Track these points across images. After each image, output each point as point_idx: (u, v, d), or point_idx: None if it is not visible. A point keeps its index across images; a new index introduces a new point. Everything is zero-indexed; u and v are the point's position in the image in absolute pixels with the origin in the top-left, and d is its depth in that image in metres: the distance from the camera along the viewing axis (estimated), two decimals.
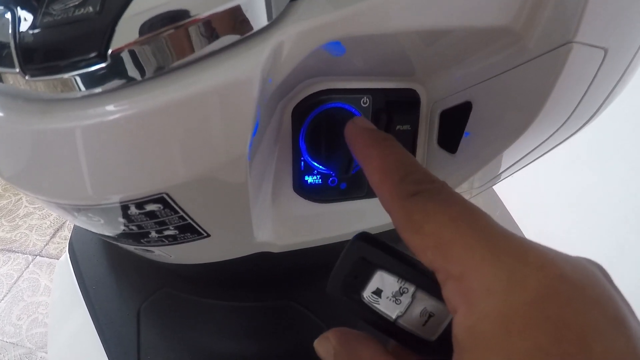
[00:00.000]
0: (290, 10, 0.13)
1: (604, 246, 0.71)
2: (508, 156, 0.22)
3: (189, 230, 0.18)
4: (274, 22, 0.13)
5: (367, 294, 0.15)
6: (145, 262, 0.26)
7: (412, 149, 0.22)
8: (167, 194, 0.15)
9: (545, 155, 0.26)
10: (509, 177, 0.27)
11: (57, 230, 1.21)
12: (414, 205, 0.13)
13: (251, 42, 0.13)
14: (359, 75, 0.19)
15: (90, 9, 0.12)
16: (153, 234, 0.18)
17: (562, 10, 0.15)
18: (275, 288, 0.29)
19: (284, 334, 0.29)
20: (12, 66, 0.13)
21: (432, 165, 0.23)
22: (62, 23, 0.12)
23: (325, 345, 0.15)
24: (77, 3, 0.12)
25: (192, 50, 0.12)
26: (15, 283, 1.06)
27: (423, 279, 0.14)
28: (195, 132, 0.14)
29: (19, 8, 0.13)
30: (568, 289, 0.10)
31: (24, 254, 1.14)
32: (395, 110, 0.21)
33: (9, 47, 0.13)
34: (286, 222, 0.22)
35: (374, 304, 0.15)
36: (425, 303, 0.14)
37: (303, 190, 0.22)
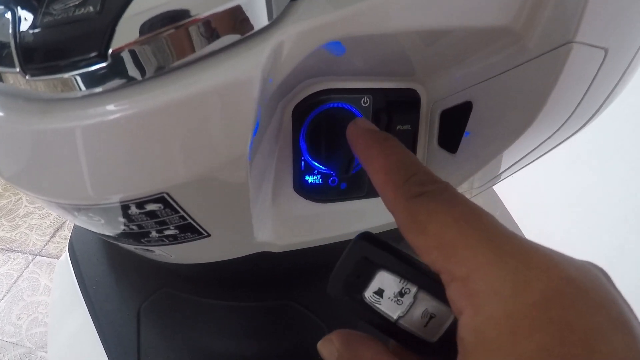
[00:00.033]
0: (291, 10, 0.13)
1: (604, 246, 0.71)
2: (508, 156, 0.22)
3: (190, 230, 0.18)
4: (275, 21, 0.13)
5: (368, 294, 0.15)
6: (146, 262, 0.26)
7: (413, 149, 0.22)
8: (168, 194, 0.15)
9: (545, 155, 0.26)
10: (509, 177, 0.27)
11: (57, 229, 1.21)
12: (418, 206, 0.13)
13: (251, 42, 0.13)
14: (359, 75, 0.19)
15: (91, 8, 0.12)
16: (153, 234, 0.18)
17: (562, 10, 0.15)
18: (275, 288, 0.29)
19: (284, 334, 0.29)
20: (13, 66, 0.13)
21: (433, 165, 0.23)
22: (63, 23, 0.12)
23: (328, 347, 0.15)
24: (77, 3, 0.12)
25: (193, 50, 0.12)
26: (15, 283, 1.06)
27: (425, 279, 0.14)
28: (196, 132, 0.14)
29: (19, 8, 0.13)
30: (572, 291, 0.10)
31: (23, 253, 1.14)
32: (396, 110, 0.21)
33: (9, 46, 0.13)
34: (286, 222, 0.22)
35: (375, 304, 0.15)
36: (427, 304, 0.14)
37: (303, 190, 0.22)
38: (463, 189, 0.23)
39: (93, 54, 0.12)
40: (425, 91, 0.21)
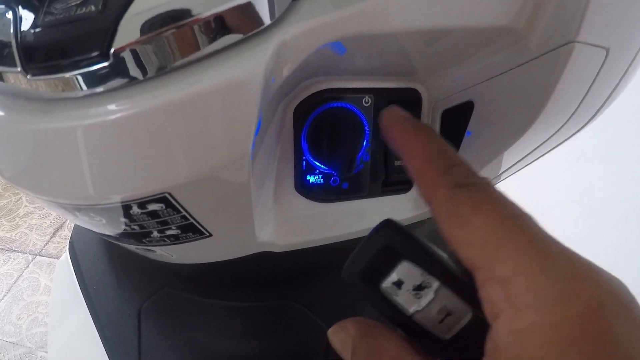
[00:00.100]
0: (293, 10, 0.13)
1: (605, 246, 0.71)
2: (509, 155, 0.22)
3: (191, 230, 0.18)
4: (277, 21, 0.13)
5: (386, 284, 0.14)
6: (146, 261, 0.26)
7: None
8: (170, 194, 0.15)
9: (546, 155, 0.26)
10: (509, 177, 0.27)
11: (57, 229, 1.21)
12: (460, 197, 0.12)
13: (254, 42, 0.13)
14: (360, 75, 0.19)
15: (92, 7, 0.12)
16: (155, 234, 0.18)
17: (563, 9, 0.15)
18: (276, 288, 0.29)
19: (284, 334, 0.29)
20: (14, 65, 0.13)
21: None
22: (64, 22, 0.12)
23: (342, 335, 0.14)
24: (78, 2, 0.12)
25: (195, 50, 0.12)
26: (15, 282, 1.06)
27: (449, 275, 0.13)
28: (198, 132, 0.13)
29: (20, 7, 0.13)
30: (617, 305, 0.10)
31: (24, 253, 1.14)
32: None
33: (10, 46, 0.13)
34: (288, 221, 0.22)
35: (392, 296, 0.14)
36: (446, 301, 0.13)
37: (305, 189, 0.21)
38: None
39: (95, 54, 0.12)
40: (426, 91, 0.21)
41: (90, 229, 0.19)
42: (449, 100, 0.21)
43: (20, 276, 1.08)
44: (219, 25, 0.12)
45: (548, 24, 0.16)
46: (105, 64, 0.12)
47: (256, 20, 0.12)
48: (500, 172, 0.24)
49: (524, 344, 0.10)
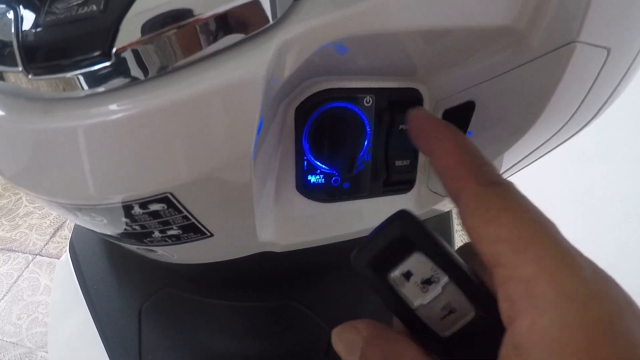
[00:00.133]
0: (295, 10, 0.13)
1: (605, 245, 0.71)
2: (510, 155, 0.22)
3: (193, 230, 0.18)
4: (279, 21, 0.13)
5: (395, 274, 0.14)
6: (147, 261, 0.26)
7: (415, 149, 0.22)
8: (171, 194, 0.15)
9: (547, 154, 0.26)
10: (510, 177, 0.27)
11: (57, 229, 1.21)
12: (492, 194, 0.12)
13: (256, 42, 0.13)
14: (361, 75, 0.19)
15: (94, 7, 0.11)
16: (156, 234, 0.18)
17: (565, 9, 0.15)
18: (277, 288, 0.29)
19: (285, 334, 0.29)
20: (15, 65, 0.13)
21: None
22: (66, 22, 0.12)
23: (350, 335, 0.13)
24: (80, 1, 0.12)
25: (197, 49, 0.12)
26: (15, 282, 1.06)
27: (459, 272, 0.13)
28: (200, 132, 0.13)
29: (21, 7, 0.13)
30: (636, 307, 0.11)
31: (23, 253, 1.14)
32: (398, 109, 0.21)
33: (11, 45, 0.13)
34: (289, 221, 0.22)
35: (399, 287, 0.14)
36: (452, 297, 0.13)
37: (306, 189, 0.21)
38: None
39: (97, 53, 0.12)
40: (427, 91, 0.21)
41: (92, 229, 0.19)
42: (450, 100, 0.21)
43: (20, 276, 1.07)
44: (221, 25, 0.12)
45: (549, 24, 0.16)
46: (107, 63, 0.12)
47: (258, 20, 0.12)
48: (501, 172, 0.24)
49: (551, 342, 0.10)
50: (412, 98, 0.21)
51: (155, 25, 0.11)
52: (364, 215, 0.23)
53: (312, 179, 0.21)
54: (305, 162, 0.21)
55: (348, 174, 0.21)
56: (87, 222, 0.18)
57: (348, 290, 0.30)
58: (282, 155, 0.20)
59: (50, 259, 1.12)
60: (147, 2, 0.11)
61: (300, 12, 0.13)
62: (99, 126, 0.13)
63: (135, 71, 0.12)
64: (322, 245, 0.23)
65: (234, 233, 0.20)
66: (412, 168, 0.23)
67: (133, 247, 0.21)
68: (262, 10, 0.12)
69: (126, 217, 0.16)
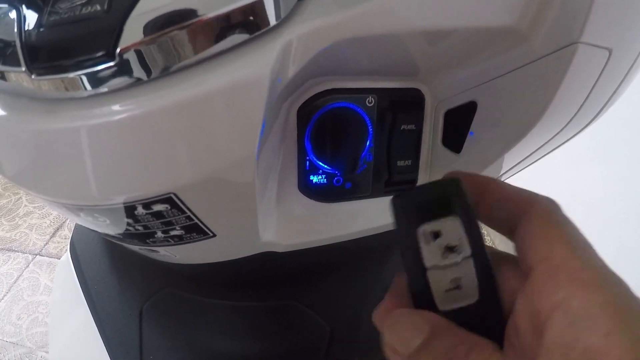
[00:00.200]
0: (298, 10, 0.13)
1: (605, 245, 0.71)
2: (512, 155, 0.22)
3: (195, 230, 0.18)
4: (282, 21, 0.13)
5: (426, 228, 0.14)
6: (148, 261, 0.26)
7: (417, 149, 0.22)
8: (175, 194, 0.15)
9: (548, 155, 0.26)
10: (512, 177, 0.27)
11: (57, 229, 1.20)
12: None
13: (260, 42, 0.13)
14: (364, 75, 0.19)
15: (98, 7, 0.11)
16: (159, 234, 0.18)
17: (567, 11, 0.15)
18: (278, 288, 0.29)
19: (286, 334, 0.29)
20: (18, 65, 0.13)
21: (437, 165, 0.23)
22: (69, 21, 0.12)
23: (406, 331, 0.13)
24: (83, 1, 0.12)
25: (201, 50, 0.12)
26: (15, 282, 1.06)
27: (482, 254, 0.14)
28: (203, 133, 0.13)
29: (24, 6, 0.13)
30: None
31: (23, 253, 1.14)
32: (400, 109, 0.21)
33: (14, 45, 0.13)
34: (291, 221, 0.22)
35: (423, 242, 0.14)
36: (463, 274, 0.14)
37: (308, 189, 0.21)
38: None
39: (100, 53, 0.12)
40: (429, 91, 0.21)
41: (94, 229, 0.19)
42: (452, 101, 0.21)
43: (20, 276, 1.07)
44: (225, 26, 0.12)
45: (552, 25, 0.16)
46: (111, 63, 0.12)
47: (262, 20, 0.12)
48: (502, 172, 0.24)
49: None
50: (414, 98, 0.21)
51: (159, 26, 0.11)
52: (365, 216, 0.23)
53: (314, 179, 0.21)
54: (308, 162, 0.21)
55: (350, 174, 0.21)
56: (89, 223, 0.18)
57: (349, 290, 0.30)
58: (285, 155, 0.20)
59: (50, 259, 1.12)
60: (151, 2, 0.11)
61: (304, 12, 0.13)
62: (102, 126, 0.13)
63: (138, 71, 0.12)
64: (323, 245, 0.23)
65: (237, 233, 0.20)
66: (414, 168, 0.23)
67: (135, 248, 0.21)
68: (266, 11, 0.12)
69: (129, 217, 0.16)
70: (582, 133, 0.25)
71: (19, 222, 1.23)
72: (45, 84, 0.13)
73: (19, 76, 0.13)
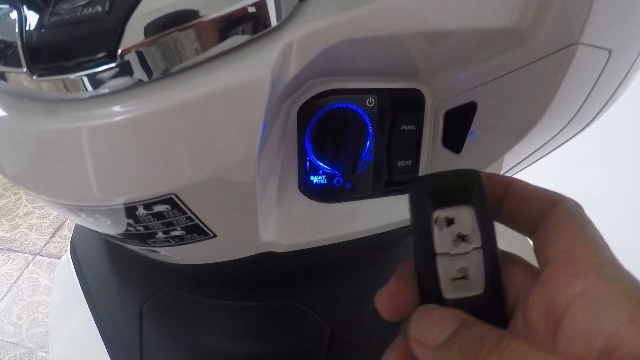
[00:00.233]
0: (299, 11, 0.13)
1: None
2: (512, 156, 0.22)
3: (196, 231, 0.18)
4: (283, 22, 0.13)
5: (440, 214, 0.14)
6: (148, 261, 0.26)
7: (417, 149, 0.22)
8: (176, 195, 0.15)
9: (547, 155, 0.26)
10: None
11: (57, 229, 1.20)
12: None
13: (261, 43, 0.13)
14: (364, 76, 0.19)
15: (99, 8, 0.11)
16: (160, 235, 0.18)
17: (567, 11, 0.15)
18: (278, 288, 0.29)
19: (286, 334, 0.29)
20: (19, 66, 0.13)
21: (437, 166, 0.23)
22: (70, 22, 0.12)
23: (437, 324, 0.13)
24: (85, 2, 0.12)
25: (202, 51, 0.12)
26: (15, 282, 1.06)
27: (492, 248, 0.14)
28: (204, 134, 0.13)
29: (25, 7, 0.13)
30: None
31: (23, 253, 1.14)
32: (400, 110, 0.21)
33: (15, 46, 0.13)
34: (291, 222, 0.22)
35: (436, 227, 0.14)
36: (472, 264, 0.14)
37: (308, 190, 0.22)
38: None
39: (102, 55, 0.12)
40: (429, 91, 0.21)
41: (95, 229, 0.19)
42: (452, 101, 0.21)
43: (20, 276, 1.07)
44: (226, 27, 0.12)
45: (552, 25, 0.16)
46: (113, 65, 0.12)
47: (263, 21, 0.12)
48: (503, 172, 0.24)
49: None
50: (414, 98, 0.21)
51: (160, 27, 0.11)
52: (366, 216, 0.23)
53: (315, 179, 0.21)
54: (308, 162, 0.21)
55: (350, 175, 0.21)
56: (90, 223, 0.18)
57: (349, 290, 0.30)
58: (285, 156, 0.20)
59: (50, 259, 1.12)
60: (153, 3, 0.11)
61: (305, 13, 0.13)
62: (103, 128, 0.13)
63: (139, 73, 0.12)
64: (323, 245, 0.23)
65: (237, 233, 0.20)
66: (414, 168, 0.23)
67: (136, 248, 0.21)
68: (268, 12, 0.12)
69: (130, 218, 0.16)
70: (582, 133, 0.25)
71: (19, 222, 1.23)
72: (46, 84, 0.13)
73: (20, 77, 0.13)
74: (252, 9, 0.12)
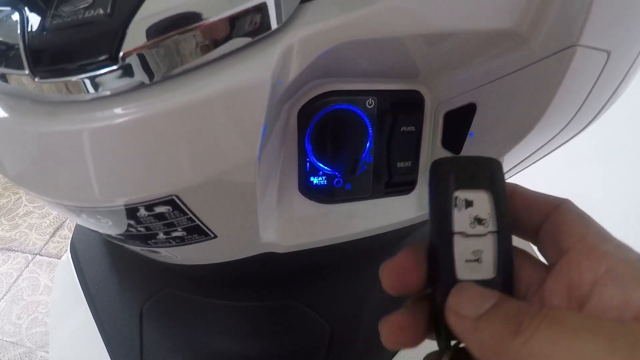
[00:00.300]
0: (299, 14, 0.13)
1: None
2: (511, 157, 0.22)
3: (197, 232, 0.18)
4: (284, 25, 0.13)
5: (461, 194, 0.14)
6: (148, 262, 0.26)
7: (417, 150, 0.22)
8: (177, 196, 0.15)
9: (547, 155, 0.26)
10: (510, 179, 0.27)
11: (57, 229, 1.20)
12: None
13: (261, 45, 0.13)
14: (364, 77, 0.19)
15: (101, 11, 0.12)
16: (161, 236, 0.18)
17: (566, 13, 0.15)
18: (278, 288, 0.29)
19: (286, 334, 0.29)
20: (21, 68, 0.13)
21: None
22: (72, 25, 0.12)
23: (477, 296, 0.13)
24: (87, 5, 0.12)
25: (204, 53, 0.12)
26: (15, 282, 1.06)
27: (507, 234, 0.14)
28: (205, 136, 0.14)
29: (27, 9, 0.13)
30: None
31: (23, 253, 1.14)
32: (400, 111, 0.21)
33: (17, 48, 0.13)
34: (291, 222, 0.22)
35: (454, 207, 0.14)
36: (486, 248, 0.14)
37: (308, 191, 0.22)
38: None
39: (103, 57, 0.12)
40: (429, 93, 0.21)
41: (96, 230, 0.19)
42: (452, 102, 0.21)
43: (20, 276, 1.07)
44: (227, 29, 0.12)
45: (551, 27, 0.16)
46: (114, 67, 0.12)
47: (264, 24, 0.12)
48: None
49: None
50: (413, 100, 0.21)
51: (162, 29, 0.12)
52: (366, 217, 0.23)
53: (315, 180, 0.21)
54: (308, 163, 0.21)
55: (350, 176, 0.21)
56: (91, 224, 0.18)
57: (349, 290, 0.30)
58: (285, 157, 0.20)
59: (50, 259, 1.12)
60: (154, 6, 0.11)
61: (305, 16, 0.13)
62: (105, 130, 0.13)
63: (141, 75, 0.12)
64: (323, 246, 0.23)
65: (238, 234, 0.20)
66: (414, 169, 0.23)
67: (136, 248, 0.21)
68: (268, 15, 0.12)
69: (131, 219, 0.16)
70: (582, 133, 0.25)
71: (19, 222, 1.23)
72: (48, 86, 0.13)
73: (22, 79, 0.13)
74: (253, 12, 0.12)
